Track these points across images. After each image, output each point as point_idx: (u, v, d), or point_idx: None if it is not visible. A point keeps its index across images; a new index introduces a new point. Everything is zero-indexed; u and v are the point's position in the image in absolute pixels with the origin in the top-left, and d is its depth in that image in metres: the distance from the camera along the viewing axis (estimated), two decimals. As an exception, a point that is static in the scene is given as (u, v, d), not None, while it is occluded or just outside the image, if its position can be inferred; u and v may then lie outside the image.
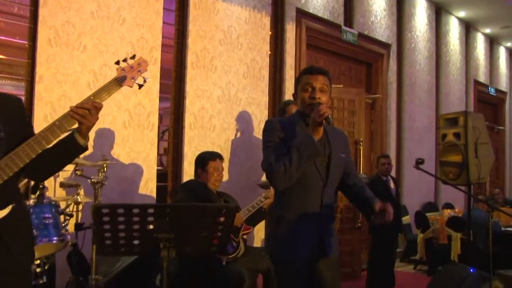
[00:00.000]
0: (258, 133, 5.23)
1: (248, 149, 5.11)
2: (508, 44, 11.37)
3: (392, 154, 7.20)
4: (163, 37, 4.49)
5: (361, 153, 5.99)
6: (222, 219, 1.85)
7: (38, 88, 3.70)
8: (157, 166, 4.43)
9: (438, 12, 8.83)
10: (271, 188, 3.51)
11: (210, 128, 4.79)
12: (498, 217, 6.50)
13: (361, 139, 6.02)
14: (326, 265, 2.28)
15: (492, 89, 10.68)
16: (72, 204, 3.21)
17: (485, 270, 3.86)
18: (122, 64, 1.95)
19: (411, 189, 7.68)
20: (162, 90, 4.48)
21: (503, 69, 11.43)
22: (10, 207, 1.78)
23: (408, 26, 7.85)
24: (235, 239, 3.27)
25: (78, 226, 3.21)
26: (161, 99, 4.48)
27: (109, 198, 3.92)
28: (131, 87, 1.95)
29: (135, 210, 1.74)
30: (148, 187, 4.30)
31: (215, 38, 4.89)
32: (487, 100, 10.75)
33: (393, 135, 7.41)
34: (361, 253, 5.98)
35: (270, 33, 5.49)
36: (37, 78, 3.71)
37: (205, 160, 3.38)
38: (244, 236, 3.45)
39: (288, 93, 5.53)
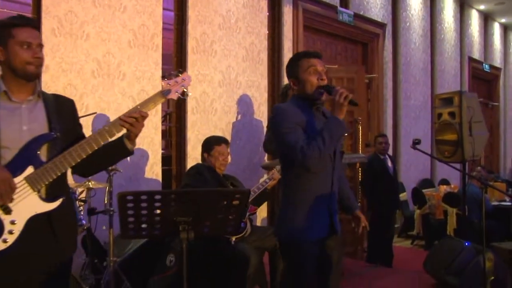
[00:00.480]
0: (258, 115, 5.35)
1: (249, 131, 5.23)
2: (503, 20, 11.43)
3: (389, 132, 7.34)
4: (163, 23, 4.56)
5: (359, 132, 6.11)
6: (236, 202, 1.98)
7: (44, 78, 3.78)
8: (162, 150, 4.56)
9: (433, -10, 8.89)
10: (274, 169, 3.64)
11: (212, 111, 4.90)
12: (492, 193, 6.70)
13: (359, 118, 6.13)
14: (335, 243, 2.42)
15: (486, 66, 10.79)
16: (85, 190, 3.33)
17: (479, 243, 4.04)
18: (168, 79, 2.09)
19: (408, 167, 7.85)
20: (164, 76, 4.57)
21: (497, 46, 11.52)
22: (60, 200, 1.94)
23: (403, 5, 7.91)
24: (243, 219, 3.41)
25: (91, 211, 3.34)
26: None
27: (118, 184, 4.03)
28: (174, 99, 2.11)
29: (157, 197, 1.88)
30: (153, 171, 4.43)
31: (214, 23, 4.96)
32: (481, 77, 10.87)
33: (389, 113, 7.53)
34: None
35: (268, 16, 5.56)
36: (43, 68, 3.78)
37: (210, 144, 3.49)
38: (251, 217, 3.60)
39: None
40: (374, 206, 5.36)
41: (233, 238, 3.15)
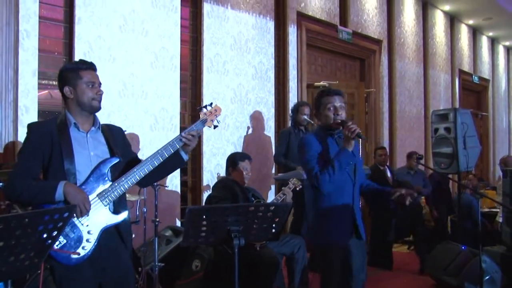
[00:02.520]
0: (267, 130, 5.71)
1: (259, 144, 5.59)
2: (490, 34, 11.95)
3: (385, 143, 7.74)
4: (181, 45, 4.91)
5: (359, 144, 6.48)
6: (281, 213, 2.37)
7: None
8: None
9: (425, 7, 9.34)
10: (289, 185, 3.96)
11: (225, 127, 5.25)
12: (484, 201, 7.08)
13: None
14: (359, 247, 2.80)
15: (475, 78, 11.28)
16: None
17: (473, 247, 4.43)
18: (204, 110, 2.48)
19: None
20: (180, 94, 4.91)
21: (485, 58, 12.03)
22: (126, 212, 2.33)
23: (397, 22, 8.35)
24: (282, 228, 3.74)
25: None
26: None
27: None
28: (210, 127, 2.49)
29: (217, 210, 2.28)
30: (173, 183, 4.77)
31: (227, 44, 5.33)
32: (471, 88, 11.37)
33: (386, 125, 7.94)
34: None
35: (274, 36, 5.94)
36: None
37: (236, 160, 3.85)
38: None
39: (292, 92, 6.02)
40: (375, 212, 5.72)
41: (258, 244, 3.48)
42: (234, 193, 3.61)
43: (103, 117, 4.23)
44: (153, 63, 4.65)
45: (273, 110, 5.86)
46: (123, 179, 2.28)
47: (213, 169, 5.12)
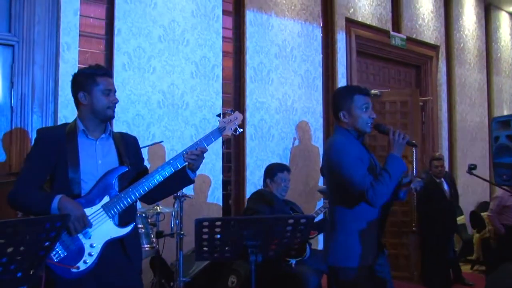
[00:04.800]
0: (314, 141, 5.48)
1: (306, 156, 5.36)
2: (562, 37, 11.07)
3: (445, 155, 7.26)
4: (223, 54, 4.80)
5: (413, 155, 6.08)
6: (301, 227, 2.14)
7: (116, 109, 4.06)
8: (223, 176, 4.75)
9: (487, 9, 8.77)
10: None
11: (269, 138, 5.07)
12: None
13: (414, 141, 6.09)
14: (383, 261, 2.55)
15: (546, 84, 10.46)
16: (154, 214, 3.56)
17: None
18: (223, 117, 2.34)
19: (465, 189, 7.70)
20: (223, 104, 4.79)
21: (556, 63, 11.16)
22: (132, 225, 2.20)
23: (456, 26, 7.88)
24: (307, 243, 3.52)
25: (159, 234, 3.55)
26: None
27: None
28: (228, 136, 2.34)
29: (231, 223, 2.07)
30: (215, 195, 4.63)
31: (271, 52, 5.17)
32: (541, 95, 10.54)
33: (445, 136, 7.46)
34: (418, 256, 6.07)
35: (322, 43, 5.72)
36: (114, 100, 4.08)
37: (274, 171, 3.66)
38: (310, 241, 3.71)
39: (341, 101, 5.73)
40: (430, 230, 5.32)
41: (294, 260, 3.27)
42: (271, 205, 3.40)
43: (142, 128, 4.20)
44: (194, 73, 4.56)
45: (321, 120, 5.61)
46: (130, 189, 2.16)
47: (256, 181, 4.94)
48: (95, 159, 2.20)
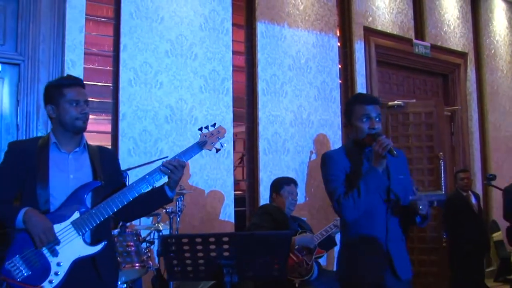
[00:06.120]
0: (332, 154, 5.25)
1: (323, 170, 5.13)
2: None
3: (477, 167, 6.90)
4: (233, 67, 4.69)
5: (441, 168, 5.76)
6: (278, 245, 1.96)
7: (122, 125, 4.01)
8: (234, 191, 4.60)
9: (519, 14, 8.39)
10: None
11: (284, 152, 4.89)
12: None
13: (441, 153, 5.80)
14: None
15: None
16: (154, 231, 3.43)
17: None
18: (204, 131, 2.21)
19: (501, 203, 7.23)
20: (235, 118, 4.65)
21: None
22: (103, 244, 2.05)
23: (485, 32, 7.54)
24: (308, 261, 3.31)
25: (159, 252, 3.42)
26: (234, 126, 4.67)
27: (191, 225, 4.13)
28: (209, 150, 2.21)
29: (198, 240, 1.92)
30: (226, 212, 4.47)
31: (284, 64, 5.02)
32: None
33: (477, 147, 7.08)
34: (447, 274, 5.71)
35: (339, 53, 5.54)
36: (120, 116, 4.02)
37: (280, 184, 3.49)
38: (318, 260, 3.49)
39: (361, 112, 5.51)
40: (458, 247, 4.97)
41: (298, 281, 3.06)
42: (276, 221, 3.21)
43: (149, 143, 4.11)
44: (202, 87, 4.46)
45: (339, 133, 5.40)
46: (101, 206, 2.03)
47: (272, 197, 4.75)
48: (67, 174, 2.09)
